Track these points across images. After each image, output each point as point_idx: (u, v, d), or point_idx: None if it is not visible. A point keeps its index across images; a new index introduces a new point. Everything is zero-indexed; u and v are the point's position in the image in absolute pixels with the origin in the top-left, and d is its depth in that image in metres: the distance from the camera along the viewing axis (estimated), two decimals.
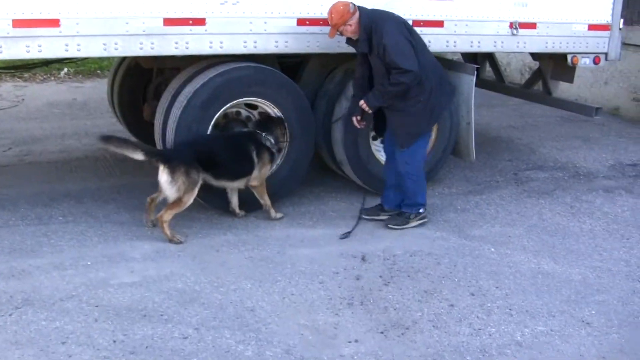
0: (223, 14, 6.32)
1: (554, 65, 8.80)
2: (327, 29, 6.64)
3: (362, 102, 6.44)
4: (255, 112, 6.96)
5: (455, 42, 7.35)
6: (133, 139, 6.30)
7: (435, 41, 7.20)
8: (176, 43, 6.20)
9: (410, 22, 6.57)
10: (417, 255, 6.11)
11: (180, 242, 6.11)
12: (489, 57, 9.48)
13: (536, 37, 7.81)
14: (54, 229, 6.33)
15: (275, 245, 6.19)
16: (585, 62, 8.22)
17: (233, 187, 6.62)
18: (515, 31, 7.62)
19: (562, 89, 9.48)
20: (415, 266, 5.89)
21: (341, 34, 6.34)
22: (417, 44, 6.26)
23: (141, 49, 6.10)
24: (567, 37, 8.00)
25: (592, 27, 8.09)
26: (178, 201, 6.07)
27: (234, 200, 6.73)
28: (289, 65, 7.31)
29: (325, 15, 6.52)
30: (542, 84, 9.13)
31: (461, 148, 7.74)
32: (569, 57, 8.15)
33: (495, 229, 6.79)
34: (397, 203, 6.79)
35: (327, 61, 7.35)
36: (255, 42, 6.50)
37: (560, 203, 7.56)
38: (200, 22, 6.24)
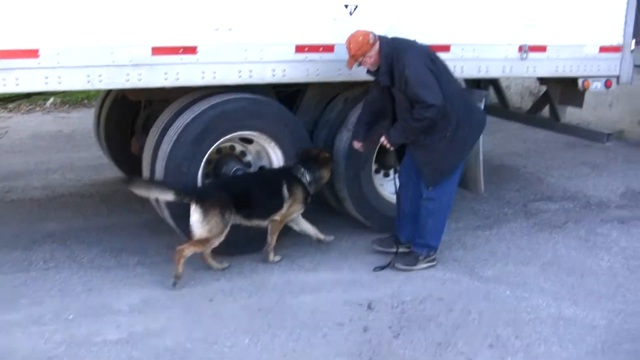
0: (216, 41, 5.85)
1: (562, 90, 8.35)
2: (327, 55, 6.31)
3: (383, 138, 5.99)
4: (250, 147, 6.47)
5: (462, 67, 6.88)
6: (154, 179, 5.96)
7: None
8: (165, 73, 5.72)
9: None
10: (427, 301, 5.61)
11: (179, 279, 5.68)
12: (492, 81, 9.01)
13: (546, 60, 7.35)
14: (34, 276, 5.83)
15: (273, 292, 5.68)
16: (596, 86, 7.77)
17: (264, 225, 6.17)
18: (524, 55, 7.16)
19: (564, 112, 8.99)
20: (427, 314, 5.40)
21: (360, 64, 5.90)
22: (441, 73, 5.80)
23: (128, 80, 5.62)
24: (578, 60, 7.54)
25: (603, 49, 7.64)
26: (205, 241, 5.70)
27: (308, 229, 6.50)
28: (286, 94, 6.83)
29: (325, 41, 6.11)
30: (549, 109, 8.67)
31: (468, 180, 7.22)
32: (579, 81, 7.70)
33: (509, 268, 6.30)
34: (414, 234, 6.33)
35: (326, 89, 6.88)
36: (250, 71, 6.03)
37: (574, 237, 7.08)
38: (191, 50, 5.76)
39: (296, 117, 6.48)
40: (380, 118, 6.19)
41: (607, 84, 7.81)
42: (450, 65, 6.71)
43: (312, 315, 5.31)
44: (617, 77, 7.85)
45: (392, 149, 6.05)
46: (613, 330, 5.26)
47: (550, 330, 5.23)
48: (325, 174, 6.42)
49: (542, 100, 8.85)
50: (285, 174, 6.19)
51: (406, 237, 6.34)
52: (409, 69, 5.64)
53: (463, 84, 8.33)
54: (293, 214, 6.23)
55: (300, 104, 6.88)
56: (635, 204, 8.17)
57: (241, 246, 6.25)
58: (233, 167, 6.32)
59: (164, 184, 5.78)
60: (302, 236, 6.67)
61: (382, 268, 6.17)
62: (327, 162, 6.40)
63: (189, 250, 5.67)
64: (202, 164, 6.06)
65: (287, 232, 6.48)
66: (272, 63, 6.10)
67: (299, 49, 6.18)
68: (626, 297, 5.78)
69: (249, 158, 6.54)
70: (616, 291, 5.90)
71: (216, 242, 5.74)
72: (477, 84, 8.63)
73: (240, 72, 5.99)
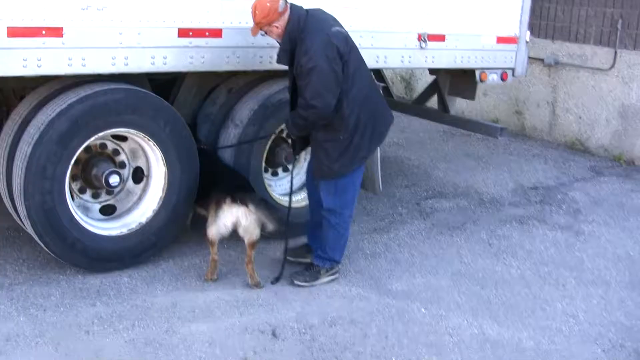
0: (85, 22, 4.91)
1: (452, 80, 7.86)
2: (214, 41, 5.47)
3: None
4: (124, 145, 5.55)
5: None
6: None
7: None
8: (25, 60, 4.73)
9: None
10: (337, 324, 4.92)
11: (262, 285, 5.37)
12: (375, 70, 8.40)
13: (445, 50, 6.82)
14: None
15: (160, 319, 4.82)
16: (493, 78, 7.33)
17: None
18: (424, 44, 6.59)
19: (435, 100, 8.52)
20: (340, 341, 4.71)
21: (265, 33, 5.12)
22: (349, 73, 5.05)
23: None
24: (476, 50, 7.09)
25: (500, 39, 7.23)
26: (259, 236, 5.31)
27: None
28: (159, 84, 5.92)
29: (212, 24, 5.32)
30: (438, 100, 8.17)
31: (365, 178, 6.54)
32: (477, 73, 7.23)
33: (418, 281, 5.71)
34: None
35: (206, 79, 6.05)
36: (126, 58, 5.13)
37: (477, 240, 6.60)
38: (56, 32, 4.81)
39: (177, 112, 5.59)
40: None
41: (503, 77, 7.43)
42: None
43: (211, 348, 4.51)
44: (513, 70, 7.46)
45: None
46: (542, 351, 4.77)
47: (478, 355, 4.67)
48: None
49: (430, 90, 8.35)
50: None
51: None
52: (306, 56, 4.91)
53: None
54: None
55: (176, 95, 6.01)
56: (527, 201, 7.81)
57: (110, 261, 5.42)
58: (106, 169, 5.39)
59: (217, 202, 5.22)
60: (184, 247, 5.85)
61: (277, 279, 5.48)
62: None
63: (252, 253, 5.32)
64: (70, 165, 5.12)
65: (169, 245, 5.65)
66: (151, 49, 5.23)
67: (183, 32, 5.34)
68: (546, 311, 5.32)
69: (122, 158, 5.63)
70: (534, 304, 5.43)
71: None
72: None
73: (114, 58, 5.09)
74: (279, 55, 5.14)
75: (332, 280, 5.55)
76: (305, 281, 5.45)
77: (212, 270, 5.41)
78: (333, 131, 5.10)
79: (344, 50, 5.01)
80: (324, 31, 4.99)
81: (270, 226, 5.23)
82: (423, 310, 5.20)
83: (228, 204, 5.12)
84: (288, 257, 5.63)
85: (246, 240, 5.27)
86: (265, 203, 5.41)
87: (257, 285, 5.33)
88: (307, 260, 5.65)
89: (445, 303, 5.34)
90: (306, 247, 5.80)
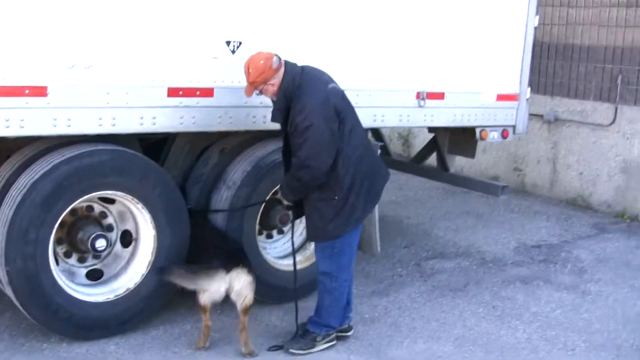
0: (71, 81, 4.72)
1: (451, 138, 7.66)
2: (206, 100, 5.31)
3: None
4: (112, 207, 5.32)
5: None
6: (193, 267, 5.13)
7: None
8: (7, 120, 4.52)
9: None
10: None
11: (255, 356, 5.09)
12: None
13: (444, 108, 6.64)
14: None
15: None
16: (493, 136, 7.12)
17: None
18: (422, 102, 6.40)
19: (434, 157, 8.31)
20: None
21: (260, 92, 4.90)
22: (344, 132, 4.86)
23: None
24: (476, 108, 6.91)
25: (500, 97, 7.04)
26: (252, 300, 5.07)
27: None
28: (149, 144, 5.71)
29: (203, 84, 5.15)
30: (437, 158, 7.96)
31: (362, 239, 6.27)
32: (477, 132, 7.04)
33: (419, 347, 5.42)
34: (344, 316, 5.39)
35: (199, 138, 5.82)
36: (113, 118, 4.93)
37: (480, 302, 6.32)
38: (40, 91, 4.60)
39: (167, 174, 5.37)
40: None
41: (504, 134, 7.22)
42: None
43: None
44: (514, 127, 7.26)
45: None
46: None
47: None
48: None
49: (429, 148, 8.15)
50: None
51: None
52: (302, 114, 4.71)
53: None
54: None
55: (167, 155, 5.78)
56: (530, 259, 7.55)
57: (96, 329, 5.16)
58: (92, 233, 5.15)
59: (207, 268, 4.95)
60: (174, 312, 5.58)
61: (278, 347, 5.20)
62: None
63: (246, 319, 5.07)
64: (55, 229, 4.88)
65: (158, 311, 5.39)
66: (139, 109, 5.03)
67: (172, 92, 5.14)
68: None
69: (110, 220, 5.39)
70: None
71: None
72: None
73: (100, 119, 4.88)
74: (273, 114, 4.95)
75: (330, 347, 5.27)
76: (302, 349, 5.16)
77: (204, 338, 5.14)
78: (328, 191, 4.88)
79: (341, 108, 4.83)
80: (320, 89, 4.81)
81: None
82: None
83: (220, 269, 4.87)
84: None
85: (239, 305, 5.01)
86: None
87: (251, 354, 5.06)
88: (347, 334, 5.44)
89: None
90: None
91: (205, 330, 5.12)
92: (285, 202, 5.57)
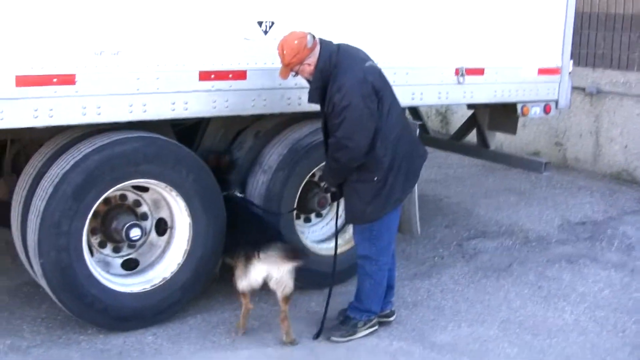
0: (99, 68, 4.58)
1: (491, 114, 7.41)
2: (238, 83, 5.11)
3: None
4: (146, 195, 5.19)
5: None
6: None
7: None
8: (35, 110, 4.39)
9: None
10: None
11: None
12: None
13: (484, 85, 6.39)
14: None
15: None
16: (535, 112, 6.87)
17: None
18: (461, 78, 6.17)
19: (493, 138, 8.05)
20: None
21: (296, 74, 4.75)
22: (383, 111, 4.66)
23: None
24: (517, 83, 6.64)
25: (542, 71, 6.77)
26: (292, 288, 4.90)
27: None
28: (182, 129, 5.57)
29: (235, 66, 4.97)
30: (477, 135, 7.72)
31: (401, 220, 6.09)
32: (518, 107, 6.79)
33: (463, 331, 5.24)
34: (388, 299, 5.25)
35: (232, 122, 5.66)
36: (144, 104, 4.79)
37: (524, 283, 6.12)
38: (68, 79, 4.47)
39: (201, 160, 5.22)
40: None
41: (546, 109, 6.96)
42: None
43: None
44: (556, 102, 6.99)
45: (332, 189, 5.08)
46: None
47: None
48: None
49: (468, 125, 7.90)
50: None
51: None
52: (339, 93, 4.53)
53: None
54: None
55: (200, 140, 5.65)
56: (575, 237, 7.31)
57: (133, 319, 5.05)
58: (126, 222, 5.02)
59: (245, 256, 4.81)
60: (211, 300, 5.45)
61: (318, 335, 5.06)
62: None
63: (287, 308, 4.90)
64: (88, 220, 4.76)
65: (195, 299, 5.27)
66: (171, 94, 4.88)
67: (204, 75, 4.99)
68: None
69: (144, 209, 5.25)
70: (593, 355, 4.95)
71: None
72: None
73: (131, 105, 4.74)
74: (310, 94, 4.77)
75: (371, 332, 5.11)
76: (343, 336, 5.01)
77: (243, 321, 5.03)
78: (367, 172, 4.70)
79: (379, 87, 4.64)
80: (357, 67, 4.62)
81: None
82: None
83: (258, 257, 4.72)
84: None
85: (279, 294, 4.86)
86: (295, 251, 4.96)
87: (293, 342, 4.91)
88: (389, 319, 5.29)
89: (494, 356, 4.89)
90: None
91: (245, 312, 5.00)
92: (323, 184, 5.42)
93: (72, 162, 4.63)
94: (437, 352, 4.89)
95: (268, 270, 4.75)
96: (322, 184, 5.63)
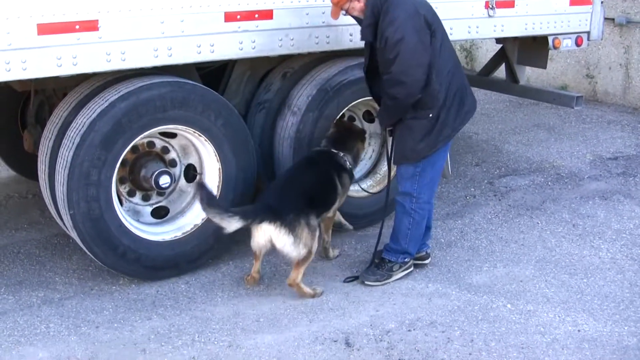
0: (122, 12, 4.44)
1: (520, 48, 7.17)
2: (265, 23, 4.95)
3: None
4: (173, 142, 5.07)
5: None
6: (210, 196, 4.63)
7: None
8: (59, 58, 4.27)
9: None
10: (416, 327, 4.39)
11: (322, 293, 4.78)
12: None
13: (514, 17, 6.16)
14: None
15: (222, 332, 4.35)
16: (567, 44, 6.64)
17: None
18: (492, 11, 5.95)
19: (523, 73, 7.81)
20: (421, 348, 4.18)
21: (346, 13, 4.66)
22: (436, 43, 4.54)
23: (8, 70, 4.12)
24: (548, 15, 6.39)
25: (574, 1, 6.50)
26: (307, 255, 4.64)
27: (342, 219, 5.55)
28: (207, 73, 5.44)
29: (261, 5, 4.83)
30: (506, 70, 7.49)
31: None
32: (549, 40, 6.55)
33: (499, 271, 5.13)
34: (424, 241, 5.16)
35: (259, 63, 5.51)
36: (169, 48, 4.65)
37: (559, 221, 5.98)
38: (91, 25, 4.34)
39: (229, 103, 5.07)
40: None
41: (578, 41, 6.71)
42: None
43: None
44: (588, 33, 6.75)
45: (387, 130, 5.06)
46: None
47: (576, 357, 4.09)
48: (361, 152, 5.44)
49: (497, 60, 7.65)
50: (332, 163, 5.05)
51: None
52: (392, 27, 4.40)
53: None
54: (339, 205, 5.21)
55: (227, 83, 5.50)
56: (608, 173, 7.12)
57: (166, 268, 4.98)
58: (155, 169, 4.92)
59: (228, 210, 4.49)
60: (245, 247, 5.33)
61: (353, 278, 4.98)
62: (361, 138, 5.37)
63: (300, 275, 4.68)
64: (116, 169, 4.66)
65: (228, 246, 5.19)
66: (196, 37, 4.74)
67: (230, 16, 4.83)
68: None
69: (172, 155, 5.15)
70: (632, 293, 4.82)
71: (315, 249, 4.72)
72: None
73: (156, 50, 4.61)
74: (362, 32, 4.64)
75: (407, 274, 5.01)
76: (378, 280, 4.92)
77: (250, 280, 4.93)
78: (423, 109, 4.60)
79: (431, 20, 4.53)
80: (409, 0, 4.50)
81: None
82: (509, 306, 4.65)
83: (259, 223, 4.52)
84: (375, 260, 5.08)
85: (291, 260, 4.69)
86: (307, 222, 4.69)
87: (314, 296, 4.77)
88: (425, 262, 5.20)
89: (532, 296, 4.77)
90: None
91: (251, 280, 4.90)
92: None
93: (98, 111, 4.52)
94: (473, 294, 4.79)
95: (269, 238, 4.56)
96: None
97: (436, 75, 4.51)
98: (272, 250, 4.64)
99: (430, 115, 4.59)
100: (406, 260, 4.98)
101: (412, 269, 5.05)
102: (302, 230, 4.54)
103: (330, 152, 5.08)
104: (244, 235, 4.68)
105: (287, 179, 4.97)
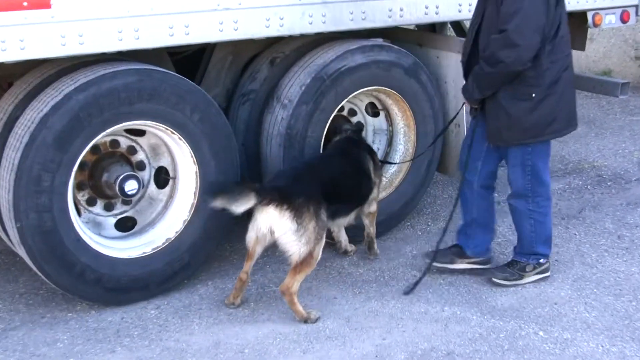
0: None
1: None
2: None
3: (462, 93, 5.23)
4: (141, 140, 5.10)
5: (437, 6, 5.76)
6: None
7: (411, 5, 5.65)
8: (3, 42, 4.31)
9: None
10: (430, 359, 4.40)
11: (318, 319, 4.77)
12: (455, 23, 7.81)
13: None
14: None
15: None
16: (610, 21, 6.72)
17: (343, 224, 5.48)
18: None
19: None
20: None
21: None
22: (561, 10, 4.82)
23: None
24: None
25: None
26: (309, 258, 4.66)
27: (344, 237, 5.71)
28: (181, 59, 5.57)
29: None
30: None
31: (449, 162, 6.24)
32: (589, 16, 6.63)
33: (529, 292, 5.19)
34: (487, 246, 5.47)
35: (242, 48, 5.63)
36: (136, 30, 4.71)
37: (600, 232, 6.07)
38: (42, 2, 4.36)
39: (207, 95, 5.12)
40: None
41: (624, 17, 6.78)
42: (422, 4, 5.58)
43: None
44: (636, 7, 6.83)
45: (473, 106, 5.14)
46: None
47: None
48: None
49: None
50: (364, 147, 5.40)
51: (475, 249, 5.44)
52: None
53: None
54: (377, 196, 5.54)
55: (205, 70, 5.60)
56: None
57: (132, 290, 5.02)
58: (120, 173, 4.98)
59: (243, 187, 4.66)
60: (228, 264, 5.37)
61: (412, 289, 5.20)
62: None
63: (297, 283, 4.71)
64: (73, 173, 4.69)
65: (206, 263, 5.20)
66: (168, 16, 4.80)
67: None
68: None
69: (140, 157, 5.23)
70: None
71: (319, 255, 4.77)
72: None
73: (120, 32, 4.66)
74: None
75: (541, 279, 5.29)
76: (507, 279, 5.25)
77: (235, 293, 4.96)
78: (524, 86, 4.79)
79: None
80: None
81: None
82: (541, 333, 4.70)
83: (265, 203, 4.58)
84: (434, 263, 5.37)
85: (289, 259, 4.73)
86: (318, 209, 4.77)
87: (307, 320, 4.79)
88: (457, 267, 5.43)
89: (569, 322, 4.82)
90: (457, 250, 5.46)
91: (238, 284, 4.94)
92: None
93: (51, 104, 4.55)
94: (497, 319, 4.83)
95: (270, 223, 4.62)
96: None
97: (548, 52, 4.71)
98: (270, 246, 4.75)
99: (534, 95, 4.77)
100: (541, 261, 5.27)
101: (548, 273, 5.32)
102: (309, 221, 4.60)
103: (356, 138, 5.44)
104: (224, 250, 4.69)
105: (313, 162, 5.27)
